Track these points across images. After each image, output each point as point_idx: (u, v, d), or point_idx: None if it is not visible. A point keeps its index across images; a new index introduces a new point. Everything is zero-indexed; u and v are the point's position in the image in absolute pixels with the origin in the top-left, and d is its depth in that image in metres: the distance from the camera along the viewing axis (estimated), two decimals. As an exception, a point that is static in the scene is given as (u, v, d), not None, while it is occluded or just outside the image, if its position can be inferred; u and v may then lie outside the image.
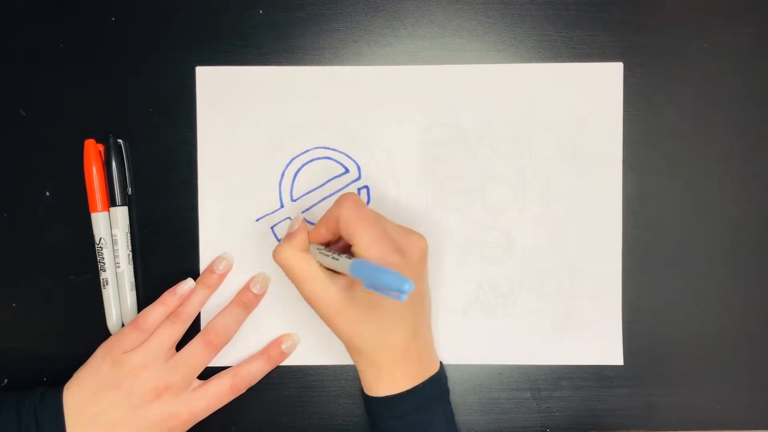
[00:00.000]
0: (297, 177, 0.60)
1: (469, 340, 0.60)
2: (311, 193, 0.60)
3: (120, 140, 0.59)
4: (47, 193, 0.60)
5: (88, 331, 0.60)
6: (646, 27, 0.59)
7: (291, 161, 0.60)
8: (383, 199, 0.60)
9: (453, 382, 0.60)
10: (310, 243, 0.54)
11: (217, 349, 0.58)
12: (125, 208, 0.59)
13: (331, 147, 0.60)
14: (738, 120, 0.60)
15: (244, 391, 0.59)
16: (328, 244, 0.54)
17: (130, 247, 0.59)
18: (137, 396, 0.55)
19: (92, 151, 0.59)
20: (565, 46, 0.59)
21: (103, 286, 0.59)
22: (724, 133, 0.60)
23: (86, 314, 0.60)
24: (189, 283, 0.59)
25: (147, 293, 0.60)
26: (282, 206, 0.60)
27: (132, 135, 0.60)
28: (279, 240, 0.60)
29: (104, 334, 0.59)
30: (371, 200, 0.60)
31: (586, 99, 0.59)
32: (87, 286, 0.60)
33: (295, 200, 0.60)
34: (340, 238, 0.54)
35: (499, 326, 0.60)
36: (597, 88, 0.59)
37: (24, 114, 0.60)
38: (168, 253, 0.60)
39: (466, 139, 0.60)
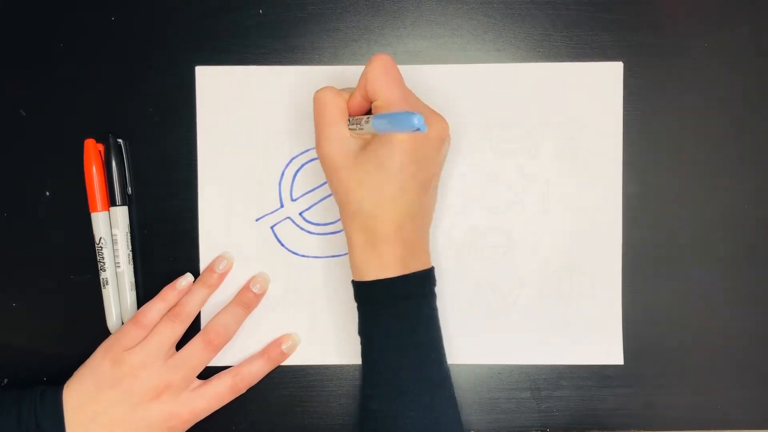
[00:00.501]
0: (297, 177, 0.60)
1: (469, 340, 0.60)
2: (311, 193, 0.60)
3: (120, 140, 0.59)
4: (47, 193, 0.60)
5: (88, 331, 0.60)
6: (646, 27, 0.59)
7: (291, 161, 0.60)
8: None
9: (453, 382, 0.60)
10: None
11: (217, 348, 0.58)
12: (125, 208, 0.59)
13: (331, 147, 0.60)
14: (738, 120, 0.60)
15: (244, 391, 0.59)
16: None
17: (130, 247, 0.59)
18: (137, 395, 0.55)
19: (92, 150, 0.59)
20: (565, 46, 0.59)
21: (103, 285, 0.59)
22: (724, 132, 0.60)
23: (86, 314, 0.60)
24: (188, 278, 0.59)
25: (147, 293, 0.60)
26: (282, 206, 0.60)
27: (132, 135, 0.60)
28: (279, 240, 0.60)
29: (104, 333, 0.59)
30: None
31: (586, 99, 0.59)
32: (87, 286, 0.60)
33: (295, 200, 0.60)
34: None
35: (499, 326, 0.60)
36: (597, 88, 0.59)
37: (24, 114, 0.60)
38: (168, 252, 0.60)
39: (466, 139, 0.60)
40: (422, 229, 0.54)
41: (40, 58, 0.60)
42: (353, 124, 0.52)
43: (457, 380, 0.60)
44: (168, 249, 0.60)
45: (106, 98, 0.60)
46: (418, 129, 0.44)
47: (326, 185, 0.59)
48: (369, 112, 0.54)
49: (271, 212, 0.60)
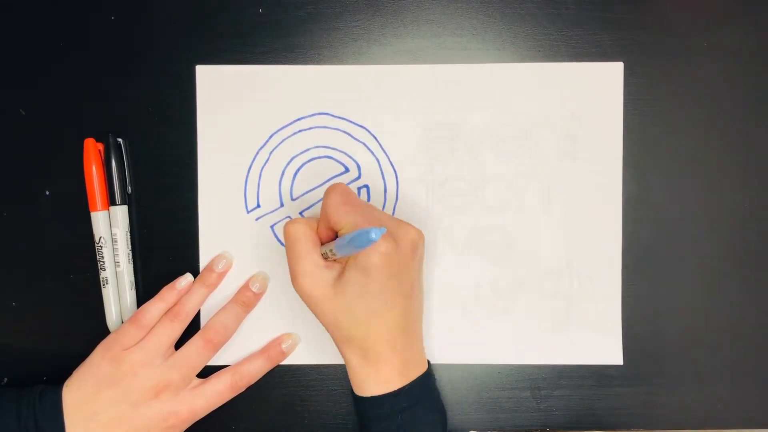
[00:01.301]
0: (297, 176, 0.60)
1: (469, 340, 0.60)
2: (311, 192, 0.60)
3: (120, 139, 0.59)
4: (47, 192, 0.60)
5: (88, 330, 0.59)
6: (646, 26, 0.59)
7: (291, 160, 0.60)
8: (383, 198, 0.60)
9: (453, 382, 0.60)
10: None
11: (216, 347, 0.58)
12: (125, 207, 0.59)
13: (331, 146, 0.60)
14: (738, 120, 0.60)
15: (243, 389, 0.59)
16: None
17: (129, 246, 0.59)
18: (136, 394, 0.55)
19: (92, 150, 0.59)
20: (565, 45, 0.59)
21: (103, 285, 0.59)
22: (724, 132, 0.60)
23: (86, 313, 0.60)
24: (187, 278, 0.59)
25: (147, 292, 0.60)
26: (282, 205, 0.60)
27: (132, 134, 0.60)
28: (279, 240, 0.60)
29: (104, 332, 0.59)
30: (371, 199, 0.60)
31: (586, 98, 0.59)
32: (87, 285, 0.60)
33: (294, 199, 0.60)
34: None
35: (499, 326, 0.60)
36: (597, 88, 0.59)
37: (24, 113, 0.60)
38: (167, 252, 0.60)
39: (466, 139, 0.60)
40: (415, 335, 0.55)
41: (40, 57, 0.60)
42: (325, 251, 0.53)
43: (457, 380, 0.60)
44: (168, 248, 0.60)
45: (106, 98, 0.60)
46: (374, 240, 0.46)
47: (326, 184, 0.59)
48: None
49: (271, 211, 0.60)
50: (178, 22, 0.60)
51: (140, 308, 0.58)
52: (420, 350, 0.56)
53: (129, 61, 0.60)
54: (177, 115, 0.60)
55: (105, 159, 0.59)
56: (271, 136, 0.60)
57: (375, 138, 0.60)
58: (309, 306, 0.53)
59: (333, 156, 0.60)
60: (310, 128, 0.60)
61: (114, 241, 0.59)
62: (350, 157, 0.60)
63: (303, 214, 0.60)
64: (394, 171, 0.60)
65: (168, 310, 0.58)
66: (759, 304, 0.60)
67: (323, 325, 0.54)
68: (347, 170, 0.60)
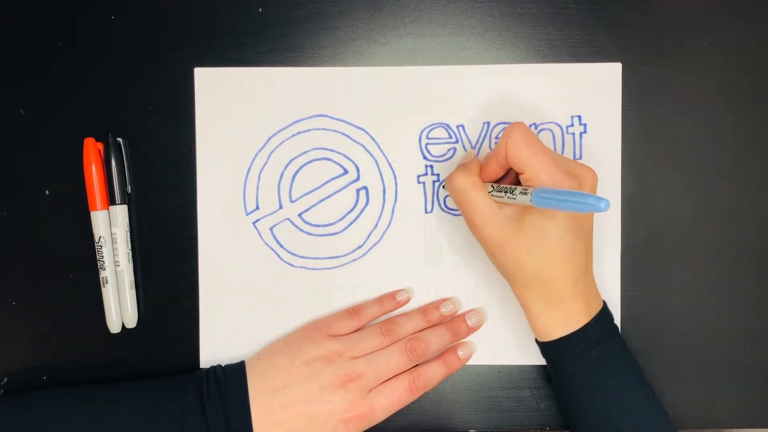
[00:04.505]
0: (296, 177, 0.60)
1: (469, 340, 0.60)
2: (310, 194, 0.60)
3: (119, 139, 0.59)
4: (47, 192, 0.60)
5: (88, 330, 0.60)
6: (645, 26, 0.59)
7: (290, 162, 0.60)
8: (382, 199, 0.60)
9: (453, 382, 0.60)
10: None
11: (413, 360, 0.57)
12: (125, 207, 0.59)
13: (329, 148, 0.60)
14: (737, 119, 0.60)
15: (421, 392, 0.57)
16: (497, 182, 0.54)
17: (129, 246, 0.59)
18: (326, 378, 0.55)
19: (92, 149, 0.59)
20: (564, 45, 0.59)
21: (103, 284, 0.59)
22: (724, 132, 0.60)
23: (86, 313, 0.60)
24: (408, 292, 0.60)
25: (146, 291, 0.60)
26: (281, 207, 0.60)
27: (131, 133, 0.60)
28: (278, 241, 0.60)
29: (104, 332, 0.59)
30: (369, 201, 0.60)
31: (585, 99, 0.59)
32: (87, 285, 0.60)
33: (294, 201, 0.60)
34: (507, 173, 0.54)
35: (499, 326, 0.60)
36: (596, 88, 0.59)
37: (24, 113, 0.60)
38: (167, 251, 0.60)
39: (466, 140, 0.59)
40: (591, 274, 0.55)
41: (40, 57, 0.60)
42: (498, 192, 0.52)
43: (457, 380, 0.60)
44: (167, 247, 0.60)
45: (106, 97, 0.60)
46: (602, 210, 0.45)
47: (325, 186, 0.60)
48: (504, 176, 0.54)
49: (271, 213, 0.60)
50: (178, 22, 0.60)
51: (360, 304, 0.59)
52: (595, 287, 0.55)
53: (129, 59, 0.60)
54: (176, 115, 0.60)
55: (105, 158, 0.59)
56: (269, 138, 0.59)
57: (374, 139, 0.59)
58: (490, 251, 0.53)
59: (332, 158, 0.60)
60: (309, 130, 0.59)
61: (114, 241, 0.59)
62: (349, 158, 0.60)
63: (302, 216, 0.60)
64: (393, 172, 0.60)
65: (384, 325, 0.58)
66: (759, 303, 0.60)
67: (503, 270, 0.53)
68: (346, 172, 0.60)
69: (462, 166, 0.54)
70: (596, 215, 0.59)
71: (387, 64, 0.59)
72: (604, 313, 0.54)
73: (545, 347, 0.54)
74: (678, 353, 0.60)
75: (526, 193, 0.49)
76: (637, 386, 0.54)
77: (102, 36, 0.59)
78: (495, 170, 0.54)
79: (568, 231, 0.51)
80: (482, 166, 0.54)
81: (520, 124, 0.52)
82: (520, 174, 0.52)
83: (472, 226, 0.53)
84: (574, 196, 0.46)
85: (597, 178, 0.53)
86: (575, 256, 0.52)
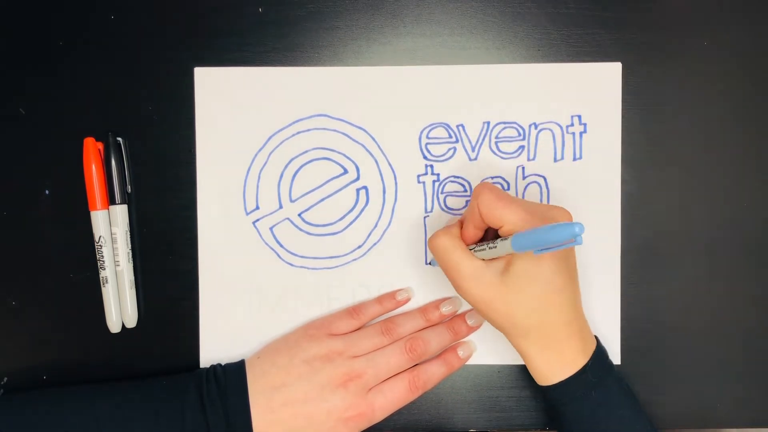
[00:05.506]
0: (296, 177, 0.60)
1: (469, 340, 0.60)
2: (310, 194, 0.60)
3: (119, 138, 0.59)
4: (47, 192, 0.60)
5: (88, 330, 0.60)
6: (645, 26, 0.59)
7: (290, 162, 0.60)
8: (382, 199, 0.60)
9: (453, 382, 0.60)
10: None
11: (413, 359, 0.57)
12: (125, 207, 0.59)
13: (329, 147, 0.60)
14: (737, 119, 0.60)
15: (421, 391, 0.57)
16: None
17: (129, 246, 0.59)
18: (326, 377, 0.55)
19: (92, 149, 0.59)
20: (564, 45, 0.59)
21: (103, 284, 0.59)
22: (724, 132, 0.60)
23: (86, 312, 0.60)
24: (408, 292, 0.60)
25: (146, 291, 0.60)
26: (281, 207, 0.60)
27: (131, 133, 0.60)
28: (278, 241, 0.60)
29: (104, 332, 0.59)
30: (369, 201, 0.60)
31: (585, 99, 0.59)
32: (87, 285, 0.60)
33: (294, 201, 0.60)
34: (485, 234, 0.55)
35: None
36: (596, 88, 0.59)
37: (23, 113, 0.60)
38: (167, 251, 0.60)
39: (466, 139, 0.60)
40: (582, 311, 0.55)
41: (40, 57, 0.60)
42: (480, 248, 0.53)
43: (457, 379, 0.60)
44: (167, 247, 0.60)
45: (106, 97, 0.60)
46: (579, 234, 0.45)
47: (325, 186, 0.60)
48: (483, 237, 0.55)
49: (271, 213, 0.60)
50: (178, 21, 0.60)
51: (361, 303, 0.59)
52: (587, 325, 0.55)
53: (129, 59, 0.60)
54: (176, 114, 0.60)
55: (105, 158, 0.59)
56: (269, 138, 0.59)
57: (374, 139, 0.59)
58: (479, 309, 0.53)
59: (332, 157, 0.60)
60: (309, 130, 0.60)
61: (114, 241, 0.59)
62: (349, 158, 0.60)
63: (302, 215, 0.60)
64: (393, 172, 0.60)
65: (384, 324, 0.58)
66: (759, 303, 0.60)
67: (496, 324, 0.53)
68: (346, 171, 0.60)
69: (444, 228, 0.55)
70: (596, 215, 0.59)
71: (387, 64, 0.59)
72: (599, 350, 0.54)
73: (546, 391, 0.54)
74: (677, 353, 0.60)
75: (506, 239, 0.50)
76: (637, 422, 0.54)
77: (102, 36, 0.59)
78: (473, 233, 0.54)
79: (557, 273, 0.51)
80: (463, 230, 0.54)
81: (485, 183, 0.53)
82: (499, 229, 0.52)
83: (458, 287, 0.53)
84: (550, 228, 0.46)
85: (571, 216, 0.53)
86: (566, 297, 0.52)
